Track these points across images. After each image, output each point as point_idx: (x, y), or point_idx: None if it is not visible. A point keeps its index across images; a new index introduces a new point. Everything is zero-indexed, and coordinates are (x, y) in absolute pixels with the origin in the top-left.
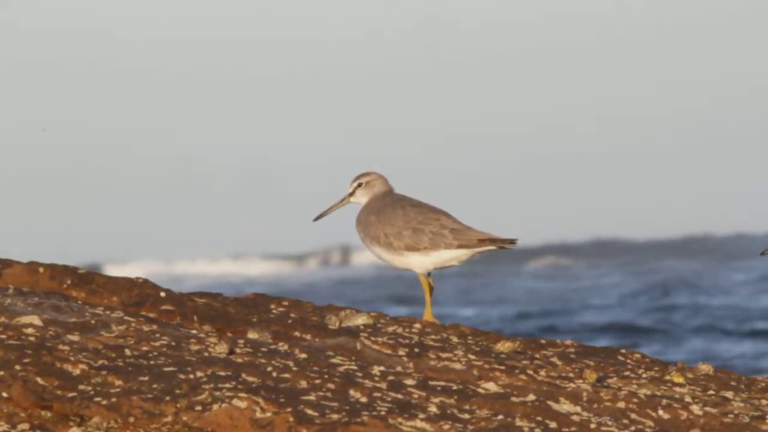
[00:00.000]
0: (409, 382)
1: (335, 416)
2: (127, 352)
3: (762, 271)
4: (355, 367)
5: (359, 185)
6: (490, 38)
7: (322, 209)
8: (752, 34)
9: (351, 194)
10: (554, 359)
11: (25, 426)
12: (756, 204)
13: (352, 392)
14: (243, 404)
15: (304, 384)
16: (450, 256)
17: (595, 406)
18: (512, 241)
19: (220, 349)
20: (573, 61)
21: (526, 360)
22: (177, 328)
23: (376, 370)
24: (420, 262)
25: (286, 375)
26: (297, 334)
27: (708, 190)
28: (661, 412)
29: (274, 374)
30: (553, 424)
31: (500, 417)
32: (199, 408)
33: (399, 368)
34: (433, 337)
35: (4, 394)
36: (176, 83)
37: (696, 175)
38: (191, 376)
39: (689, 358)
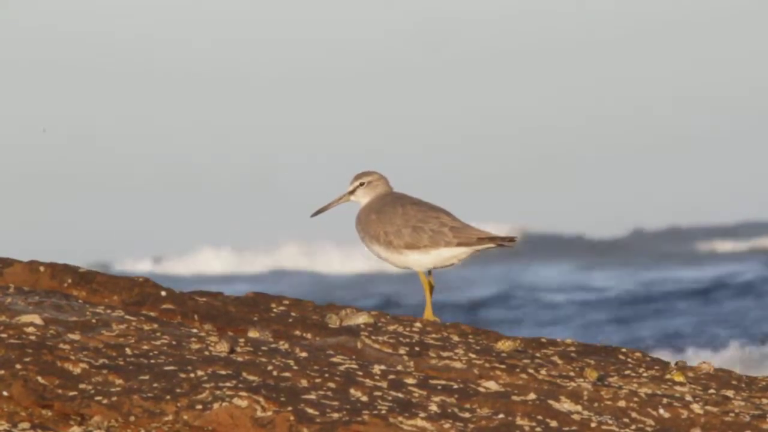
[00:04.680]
0: (410, 381)
1: (336, 415)
2: (128, 351)
3: None
4: (355, 366)
5: (361, 184)
6: (491, 38)
7: (321, 206)
8: (746, 33)
9: (351, 192)
10: (555, 358)
11: (26, 425)
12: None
13: (352, 391)
14: (244, 403)
15: (304, 383)
16: (450, 254)
17: (596, 405)
18: (512, 239)
19: (221, 348)
20: (574, 60)
21: (526, 359)
22: (178, 327)
23: (377, 369)
24: (420, 260)
25: (287, 374)
26: (298, 333)
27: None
28: (661, 410)
29: (275, 373)
30: (553, 423)
31: (501, 416)
32: (199, 407)
33: (400, 367)
34: (433, 335)
35: (5, 393)
36: (176, 83)
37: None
38: (192, 375)
39: None
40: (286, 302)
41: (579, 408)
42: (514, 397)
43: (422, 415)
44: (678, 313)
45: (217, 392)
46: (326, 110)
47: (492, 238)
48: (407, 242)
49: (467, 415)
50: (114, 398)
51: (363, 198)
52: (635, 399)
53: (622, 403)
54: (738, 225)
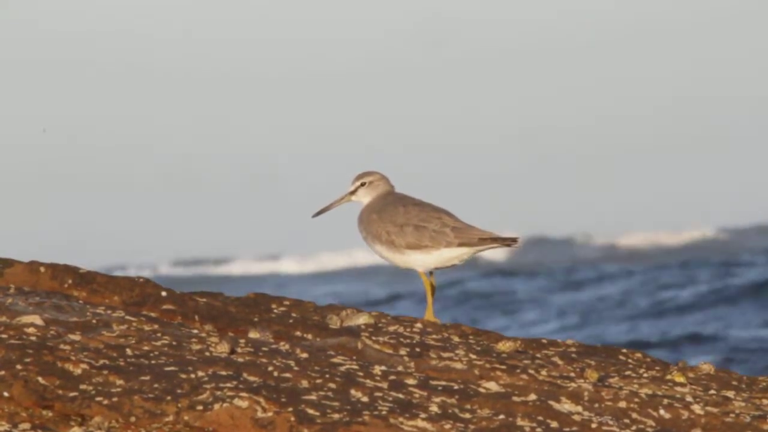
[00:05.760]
0: (411, 381)
1: (336, 416)
2: (129, 351)
3: None
4: (356, 367)
5: (362, 185)
6: (491, 38)
7: (322, 206)
8: (749, 33)
9: (353, 193)
10: (555, 359)
11: (27, 425)
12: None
13: (353, 392)
14: (244, 404)
15: (305, 383)
16: (452, 254)
17: (597, 405)
18: (514, 240)
19: (222, 349)
20: (574, 60)
21: (527, 359)
22: (178, 328)
23: (378, 369)
24: (421, 260)
25: (288, 374)
26: (298, 333)
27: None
28: (662, 411)
29: (276, 374)
30: (554, 424)
31: (501, 416)
32: (200, 407)
33: (400, 368)
34: (434, 336)
35: (6, 394)
36: (176, 83)
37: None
38: (192, 376)
39: None
40: (287, 303)
41: (579, 409)
42: (515, 398)
43: (423, 415)
44: None
45: (218, 393)
46: (326, 110)
47: (494, 239)
48: (409, 242)
49: (468, 415)
50: (115, 399)
51: (364, 198)
52: (636, 400)
53: (622, 404)
54: None
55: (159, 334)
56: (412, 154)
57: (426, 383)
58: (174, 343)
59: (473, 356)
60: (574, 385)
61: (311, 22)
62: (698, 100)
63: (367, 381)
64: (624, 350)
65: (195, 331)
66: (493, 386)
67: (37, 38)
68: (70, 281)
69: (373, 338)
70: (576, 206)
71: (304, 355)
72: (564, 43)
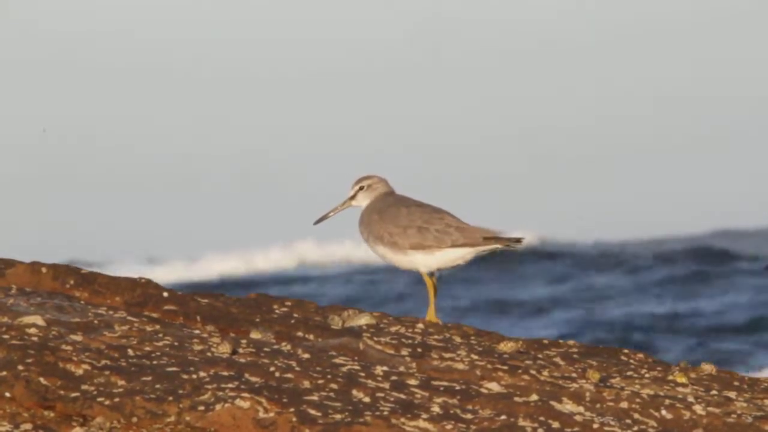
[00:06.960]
0: (412, 382)
1: (338, 416)
2: (130, 352)
3: None
4: (357, 367)
5: (360, 188)
6: (491, 38)
7: (323, 212)
8: (749, 34)
9: (352, 197)
10: (557, 359)
11: (28, 426)
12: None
13: (354, 392)
14: (246, 404)
15: (306, 384)
16: (455, 255)
17: (598, 406)
18: (518, 240)
19: (223, 349)
20: (574, 60)
21: (528, 360)
22: (180, 329)
23: (379, 370)
24: (425, 261)
25: (289, 375)
26: (300, 334)
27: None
28: (663, 412)
29: (277, 374)
30: (555, 424)
31: (503, 417)
32: (201, 408)
33: (402, 368)
34: (435, 337)
35: (7, 394)
36: (176, 83)
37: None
38: (194, 376)
39: None
40: (288, 303)
41: (581, 409)
42: (516, 399)
43: (424, 416)
44: None
45: (220, 393)
46: (326, 110)
47: (498, 239)
48: (413, 243)
49: (469, 416)
50: (116, 399)
51: (364, 201)
52: (637, 400)
53: (624, 404)
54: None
55: (161, 335)
56: (412, 154)
57: (428, 384)
58: (176, 343)
59: (475, 357)
60: (575, 385)
61: (311, 22)
62: (698, 100)
63: (369, 381)
64: (626, 351)
65: (197, 332)
66: (494, 387)
67: (37, 38)
68: (71, 282)
69: (375, 339)
70: (576, 206)
71: (306, 356)
72: (564, 43)
